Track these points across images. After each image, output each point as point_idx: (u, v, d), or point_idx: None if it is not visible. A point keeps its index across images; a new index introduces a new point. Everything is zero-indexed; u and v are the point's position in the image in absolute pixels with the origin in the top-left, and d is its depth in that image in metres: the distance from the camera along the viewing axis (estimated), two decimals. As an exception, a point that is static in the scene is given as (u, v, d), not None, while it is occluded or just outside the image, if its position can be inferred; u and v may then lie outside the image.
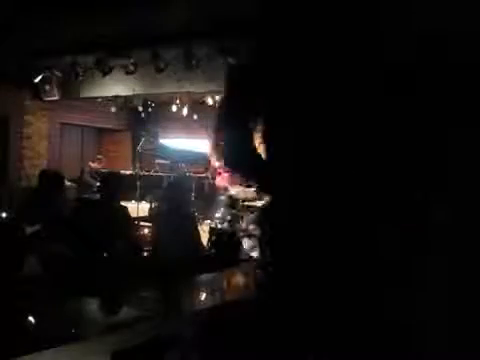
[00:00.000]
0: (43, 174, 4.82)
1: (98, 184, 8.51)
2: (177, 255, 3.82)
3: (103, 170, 9.06)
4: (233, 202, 7.16)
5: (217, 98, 8.74)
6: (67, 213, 4.48)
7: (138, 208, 7.35)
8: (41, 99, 8.26)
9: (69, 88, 8.01)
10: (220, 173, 8.63)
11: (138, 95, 8.19)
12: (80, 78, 7.07)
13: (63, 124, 9.94)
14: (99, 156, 10.01)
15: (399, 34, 1.34)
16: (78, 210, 4.71)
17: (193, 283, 3.44)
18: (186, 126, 10.13)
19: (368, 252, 1.36)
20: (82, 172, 9.46)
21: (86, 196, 7.86)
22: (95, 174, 9.26)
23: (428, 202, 1.37)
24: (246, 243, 6.89)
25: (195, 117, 9.72)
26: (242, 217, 7.28)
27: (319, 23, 1.37)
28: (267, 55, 1.44)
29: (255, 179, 1.70)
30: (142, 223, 6.48)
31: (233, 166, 1.80)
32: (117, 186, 4.32)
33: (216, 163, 8.69)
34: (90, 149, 11.10)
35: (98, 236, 3.82)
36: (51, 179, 4.68)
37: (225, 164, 1.81)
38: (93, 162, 9.74)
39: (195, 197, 8.32)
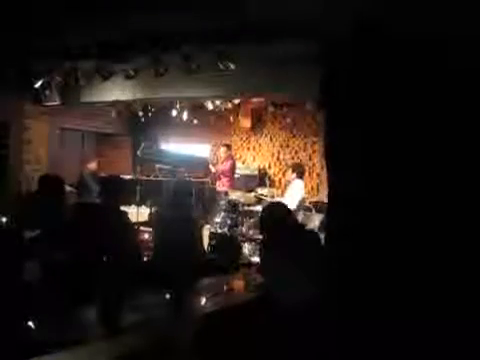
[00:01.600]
0: (43, 179, 4.82)
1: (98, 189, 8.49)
2: (178, 260, 3.82)
3: (103, 175, 9.02)
4: (233, 207, 7.16)
5: (217, 103, 8.76)
6: (67, 218, 4.47)
7: (138, 213, 7.34)
8: (41, 104, 8.27)
9: (69, 93, 8.02)
10: (220, 178, 8.64)
11: (138, 100, 8.20)
12: (80, 83, 7.08)
13: (63, 129, 9.93)
14: (93, 159, 9.68)
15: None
16: (78, 215, 4.71)
17: (194, 288, 3.44)
18: (186, 131, 10.15)
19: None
20: (81, 176, 9.28)
21: (86, 201, 7.84)
22: (94, 177, 9.14)
23: None
24: (246, 248, 6.89)
25: (195, 122, 9.73)
26: (242, 222, 7.28)
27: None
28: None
29: None
30: (142, 228, 6.48)
31: None
32: (118, 191, 4.31)
33: (212, 168, 8.70)
34: (90, 154, 11.08)
35: (98, 241, 3.82)
36: (51, 184, 4.68)
37: None
38: (90, 164, 9.44)
39: (195, 202, 8.31)
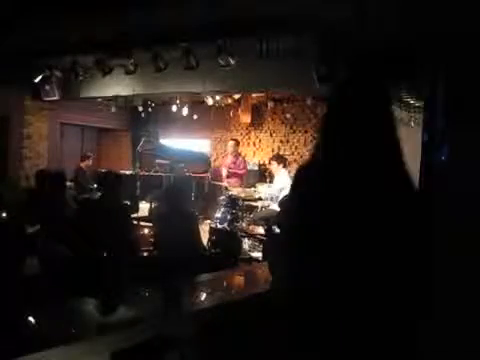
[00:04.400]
0: (41, 174, 4.82)
1: (96, 185, 8.51)
2: (177, 255, 3.82)
3: (103, 170, 8.99)
4: (233, 202, 7.16)
5: (217, 98, 8.74)
6: (67, 213, 4.48)
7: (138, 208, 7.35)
8: (41, 99, 8.26)
9: (69, 88, 8.00)
10: (228, 176, 8.56)
11: (138, 95, 8.19)
12: (80, 78, 7.06)
13: (63, 124, 9.93)
14: (89, 154, 9.44)
15: None
16: (78, 210, 4.71)
17: (193, 283, 3.44)
18: (186, 126, 10.13)
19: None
20: (77, 174, 9.11)
21: (86, 196, 7.85)
22: (90, 174, 9.00)
23: None
24: (246, 243, 6.90)
25: (195, 117, 9.72)
26: (242, 217, 7.28)
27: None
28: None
29: None
30: (142, 223, 6.49)
31: None
32: (118, 186, 4.31)
33: (224, 171, 8.57)
34: (90, 149, 11.08)
35: (98, 236, 3.82)
36: (52, 179, 4.69)
37: None
38: (83, 161, 9.23)
39: (195, 197, 8.31)
